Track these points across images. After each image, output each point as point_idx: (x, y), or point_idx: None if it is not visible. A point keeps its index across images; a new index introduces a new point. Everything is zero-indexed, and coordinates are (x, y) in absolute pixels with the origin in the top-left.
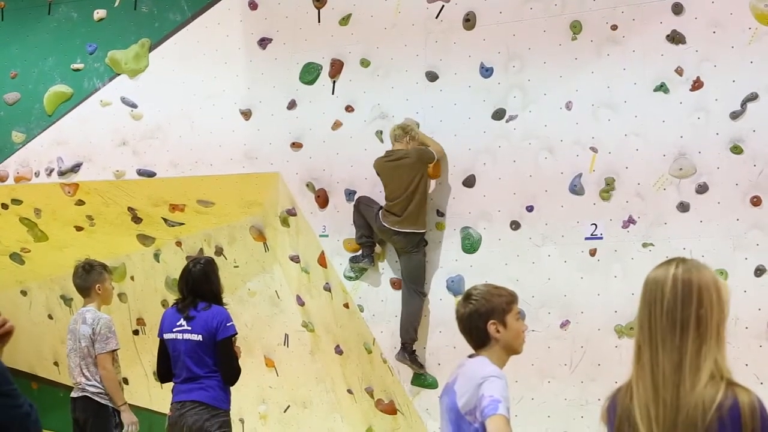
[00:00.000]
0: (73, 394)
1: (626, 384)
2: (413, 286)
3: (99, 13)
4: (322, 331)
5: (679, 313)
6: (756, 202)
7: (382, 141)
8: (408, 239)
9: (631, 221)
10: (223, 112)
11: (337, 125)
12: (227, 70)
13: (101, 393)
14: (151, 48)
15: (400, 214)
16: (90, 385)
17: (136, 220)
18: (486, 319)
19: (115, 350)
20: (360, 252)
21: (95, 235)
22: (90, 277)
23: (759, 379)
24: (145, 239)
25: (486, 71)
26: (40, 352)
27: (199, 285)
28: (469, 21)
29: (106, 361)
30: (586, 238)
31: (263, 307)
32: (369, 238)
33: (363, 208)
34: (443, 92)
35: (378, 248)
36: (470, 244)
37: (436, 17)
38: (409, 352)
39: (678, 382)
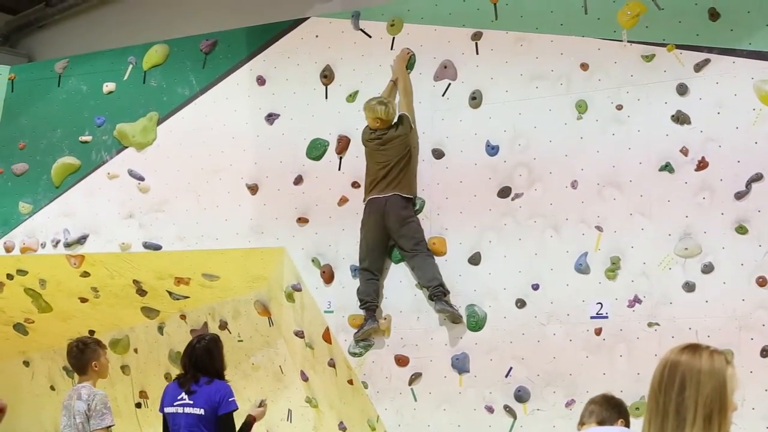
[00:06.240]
0: None
1: None
2: (421, 248)
3: (108, 86)
4: (326, 407)
5: (662, 397)
6: (761, 282)
7: None
8: (401, 203)
9: (636, 300)
10: (229, 187)
11: (343, 201)
12: (234, 144)
13: None
14: (159, 121)
15: (389, 182)
16: None
17: (141, 292)
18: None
19: (110, 426)
20: (363, 321)
21: (100, 306)
22: (85, 356)
23: None
24: (149, 312)
25: (492, 149)
26: (41, 423)
27: (202, 361)
28: (476, 99)
29: None
30: (592, 317)
31: (267, 382)
32: (372, 302)
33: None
34: (449, 169)
35: (383, 323)
36: (475, 321)
37: (443, 95)
38: (447, 299)
39: None
